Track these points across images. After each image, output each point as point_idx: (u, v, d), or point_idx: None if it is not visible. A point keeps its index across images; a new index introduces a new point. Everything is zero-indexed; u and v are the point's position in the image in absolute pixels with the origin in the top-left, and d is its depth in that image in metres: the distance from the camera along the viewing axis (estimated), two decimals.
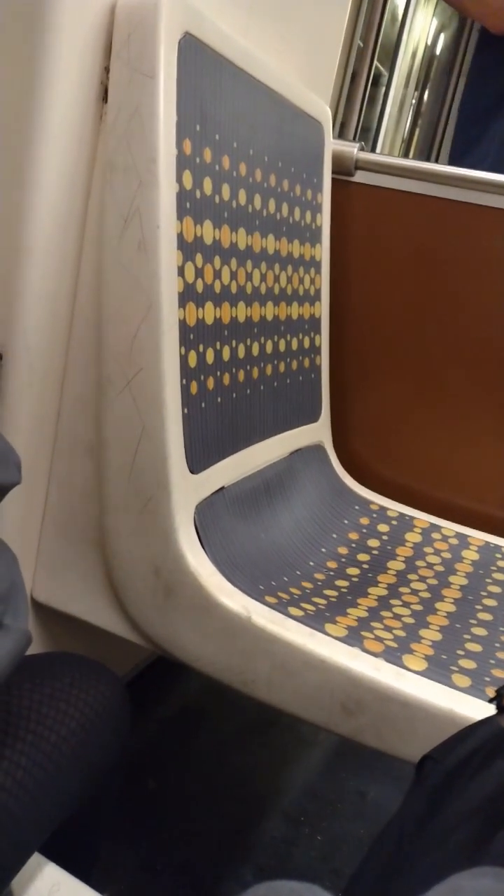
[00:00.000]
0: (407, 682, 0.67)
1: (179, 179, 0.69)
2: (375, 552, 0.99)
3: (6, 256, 0.68)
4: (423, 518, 1.09)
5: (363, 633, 0.74)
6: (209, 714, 1.21)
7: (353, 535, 1.02)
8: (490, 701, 0.44)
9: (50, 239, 0.69)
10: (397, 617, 0.81)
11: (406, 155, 2.53)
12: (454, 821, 0.34)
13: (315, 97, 1.00)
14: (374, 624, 0.78)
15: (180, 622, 0.72)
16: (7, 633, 0.38)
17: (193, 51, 0.69)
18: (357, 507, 1.09)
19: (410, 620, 0.81)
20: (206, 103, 0.72)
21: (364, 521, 1.06)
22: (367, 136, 2.25)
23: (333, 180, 1.06)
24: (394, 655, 0.71)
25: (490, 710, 0.43)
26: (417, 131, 2.69)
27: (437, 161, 2.59)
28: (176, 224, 0.69)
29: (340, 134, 1.30)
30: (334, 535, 1.00)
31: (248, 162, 0.82)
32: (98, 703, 0.50)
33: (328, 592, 0.85)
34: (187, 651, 0.72)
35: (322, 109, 1.01)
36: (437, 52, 2.74)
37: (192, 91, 0.69)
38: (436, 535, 1.05)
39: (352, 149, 1.07)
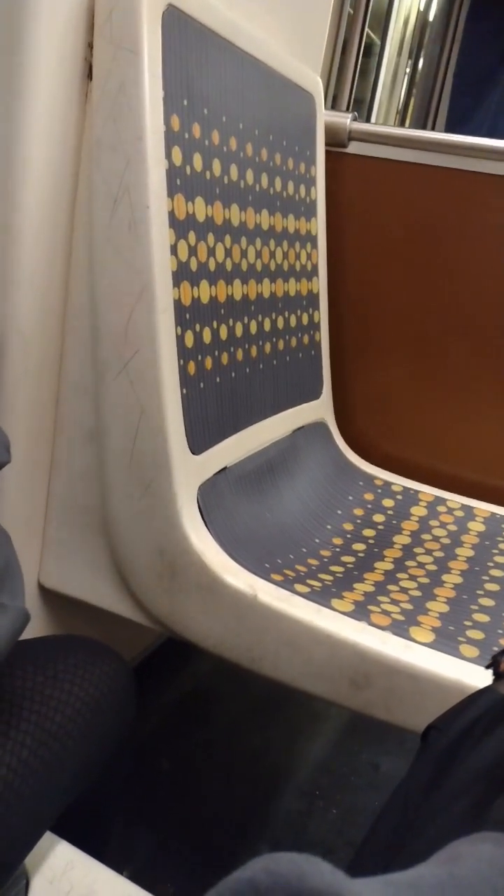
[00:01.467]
0: (414, 654, 0.67)
1: (168, 156, 0.68)
2: (381, 527, 0.99)
3: None
4: (428, 491, 1.08)
5: (370, 607, 0.75)
6: (220, 694, 1.22)
7: (358, 511, 1.02)
8: (487, 667, 0.44)
9: (39, 222, 0.68)
10: (404, 590, 0.81)
11: (402, 125, 2.48)
12: (458, 788, 0.34)
13: (305, 68, 0.98)
14: (380, 598, 0.78)
15: (186, 602, 0.72)
16: (4, 612, 0.38)
17: (178, 24, 0.68)
18: (361, 483, 1.09)
19: (417, 593, 0.81)
20: (193, 77, 0.71)
21: (369, 496, 1.06)
22: (361, 107, 2.21)
23: (327, 152, 1.04)
24: (401, 628, 0.71)
25: (488, 676, 0.43)
26: (412, 101, 2.64)
27: (434, 129, 2.54)
28: (167, 202, 0.68)
29: (333, 106, 1.28)
30: (339, 512, 1.00)
31: (239, 136, 0.80)
32: (103, 684, 0.50)
33: (334, 569, 0.85)
34: (194, 631, 0.73)
35: (313, 80, 0.99)
36: (430, 18, 2.69)
37: (177, 65, 0.68)
38: (441, 508, 1.05)
39: (345, 119, 1.06)
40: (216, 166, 0.76)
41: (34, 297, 0.70)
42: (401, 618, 0.73)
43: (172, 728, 1.14)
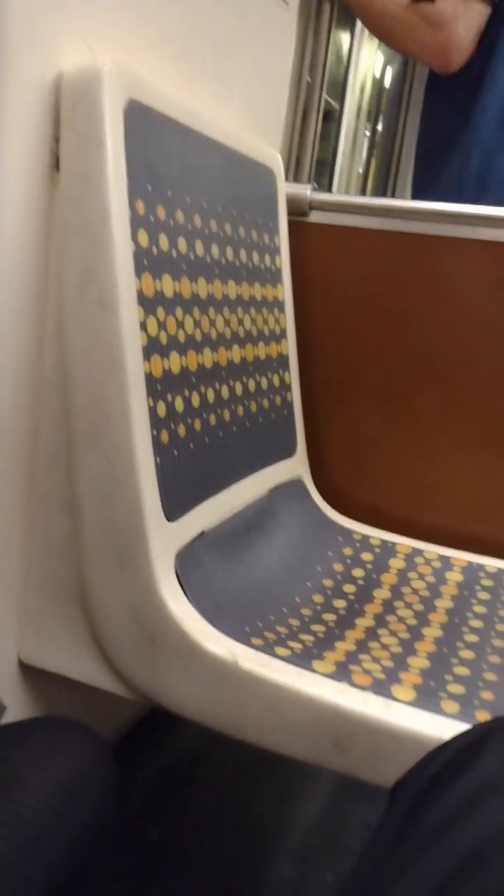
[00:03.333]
0: (395, 713, 0.67)
1: (135, 238, 0.71)
2: (361, 582, 1.00)
3: None
4: (406, 543, 1.10)
5: (351, 666, 0.75)
6: (208, 759, 1.20)
7: (338, 567, 1.03)
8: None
9: (11, 302, 0.70)
10: (385, 647, 0.82)
11: (364, 184, 2.59)
12: (421, 843, 0.35)
13: (264, 145, 1.03)
14: (361, 656, 0.78)
15: (166, 672, 0.72)
16: None
17: (138, 115, 0.72)
18: (340, 538, 1.10)
19: (398, 649, 0.82)
20: (156, 163, 0.75)
21: (347, 550, 1.07)
22: (324, 168, 2.30)
23: (290, 222, 1.09)
24: (382, 687, 0.71)
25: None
26: (374, 161, 2.76)
27: (395, 189, 2.65)
28: (135, 281, 0.71)
29: (297, 167, 1.34)
30: (319, 568, 1.01)
31: (203, 214, 0.84)
32: (81, 764, 0.50)
33: (315, 627, 0.85)
34: (175, 700, 0.72)
35: (272, 156, 1.04)
36: (386, 84, 2.83)
37: (140, 153, 0.72)
38: (419, 560, 1.06)
39: (304, 190, 1.11)
40: (181, 244, 0.79)
41: (7, 373, 0.72)
42: (382, 676, 0.74)
43: (160, 797, 1.11)
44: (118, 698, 0.78)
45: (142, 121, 0.72)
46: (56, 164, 0.70)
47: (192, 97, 0.90)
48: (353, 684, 0.71)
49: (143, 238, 0.72)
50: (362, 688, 0.70)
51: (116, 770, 0.54)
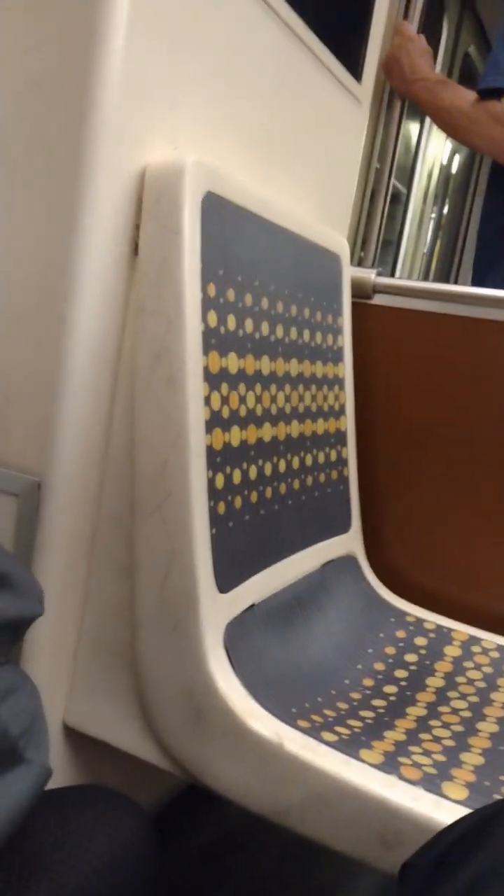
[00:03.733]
0: (446, 812, 0.64)
1: (205, 319, 0.75)
2: (413, 668, 0.97)
3: (46, 390, 0.73)
4: (462, 629, 1.06)
5: (400, 758, 0.72)
6: (247, 844, 1.15)
7: (390, 650, 1.00)
8: None
9: (86, 375, 0.74)
10: (437, 740, 0.79)
11: (429, 266, 2.64)
12: None
13: (332, 232, 1.07)
14: (412, 748, 0.75)
15: (210, 749, 0.71)
16: (29, 768, 0.38)
17: (215, 206, 0.76)
18: (393, 620, 1.07)
19: (451, 743, 0.78)
20: (229, 250, 0.79)
21: (401, 633, 1.05)
22: (390, 247, 2.37)
23: (354, 303, 1.12)
24: (433, 783, 0.68)
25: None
26: (439, 243, 2.82)
27: (458, 273, 2.69)
28: (202, 359, 0.74)
29: (363, 247, 1.38)
30: (370, 650, 0.99)
31: (270, 296, 0.88)
32: (123, 840, 0.49)
33: (364, 713, 0.83)
34: (218, 780, 0.71)
35: (339, 242, 1.08)
36: (453, 171, 2.92)
37: (215, 241, 0.76)
38: (475, 649, 1.02)
39: (369, 275, 1.14)
40: (248, 324, 0.83)
41: (78, 441, 0.75)
42: (433, 771, 0.71)
43: (195, 882, 1.07)
44: (160, 772, 0.77)
45: (218, 211, 0.77)
46: (135, 249, 0.75)
47: (266, 188, 0.96)
48: (402, 778, 0.68)
49: (213, 318, 0.76)
50: (412, 782, 0.67)
51: (158, 849, 0.53)
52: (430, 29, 1.46)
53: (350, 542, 1.11)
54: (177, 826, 1.12)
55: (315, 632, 0.94)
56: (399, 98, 1.34)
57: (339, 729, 0.76)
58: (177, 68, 0.76)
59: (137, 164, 0.74)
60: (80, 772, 0.86)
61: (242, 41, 0.86)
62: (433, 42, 1.97)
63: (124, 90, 0.69)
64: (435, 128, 2.48)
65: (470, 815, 0.45)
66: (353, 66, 1.12)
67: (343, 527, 1.10)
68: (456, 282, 2.70)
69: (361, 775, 0.67)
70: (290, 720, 0.72)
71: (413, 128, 2.41)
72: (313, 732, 0.72)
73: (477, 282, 1.37)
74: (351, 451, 1.12)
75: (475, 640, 1.04)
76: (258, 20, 0.87)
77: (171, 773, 0.77)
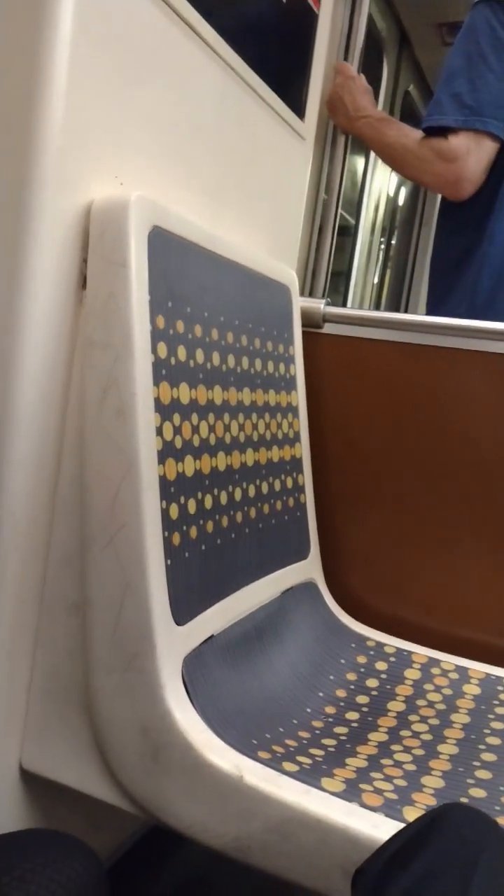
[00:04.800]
0: None
1: (154, 350, 0.75)
2: (374, 693, 0.97)
3: None
4: (422, 652, 1.07)
5: (362, 785, 0.72)
6: (215, 884, 1.13)
7: (351, 676, 1.00)
8: None
9: (35, 409, 0.74)
10: (398, 764, 0.79)
11: (379, 296, 2.70)
12: None
13: (280, 264, 1.10)
14: (373, 774, 0.75)
15: (169, 786, 0.70)
16: None
17: (161, 240, 0.77)
18: (353, 645, 1.08)
19: (412, 767, 0.78)
20: (176, 283, 0.80)
21: (361, 659, 1.05)
22: (340, 278, 2.42)
23: (305, 333, 1.14)
24: (394, 809, 0.68)
25: None
26: (388, 273, 2.89)
27: (408, 302, 2.77)
28: (153, 389, 0.75)
29: (313, 278, 1.41)
30: (332, 677, 0.99)
31: (220, 327, 0.89)
32: (74, 886, 0.48)
33: (326, 742, 0.83)
34: (178, 817, 0.69)
35: (287, 274, 1.11)
36: (400, 203, 3.01)
37: (162, 274, 0.77)
38: (435, 671, 1.03)
39: (318, 305, 1.17)
40: (199, 355, 0.84)
41: (26, 477, 0.74)
42: (394, 797, 0.70)
43: None
44: (121, 812, 0.75)
45: (164, 245, 0.78)
46: (83, 283, 0.75)
47: (214, 223, 0.98)
48: (363, 805, 0.68)
49: (163, 350, 0.77)
50: (373, 809, 0.67)
51: (108, 892, 0.52)
52: (370, 68, 1.52)
53: (309, 569, 1.11)
54: (140, 869, 1.09)
55: (276, 661, 0.94)
56: (343, 134, 1.38)
57: (300, 759, 0.75)
58: (120, 107, 0.77)
59: (83, 200, 0.75)
60: (38, 816, 0.84)
61: (185, 81, 0.88)
62: (374, 81, 2.04)
63: (67, 130, 0.70)
64: (380, 162, 2.57)
65: (414, 822, 0.49)
66: (296, 104, 1.15)
67: (301, 553, 1.10)
68: (406, 311, 2.77)
69: (322, 804, 0.66)
70: (250, 752, 0.72)
71: (359, 162, 2.48)
72: (274, 763, 0.71)
73: (431, 312, 1.41)
74: (307, 478, 1.13)
75: (434, 662, 1.04)
76: (201, 61, 0.89)
77: (133, 814, 0.75)
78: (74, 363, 0.76)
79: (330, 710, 0.91)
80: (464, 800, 0.72)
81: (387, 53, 2.08)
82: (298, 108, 1.16)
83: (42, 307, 0.72)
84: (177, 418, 0.79)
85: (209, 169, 0.96)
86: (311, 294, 1.37)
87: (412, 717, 0.91)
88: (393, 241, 2.96)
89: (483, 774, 0.77)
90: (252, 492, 0.97)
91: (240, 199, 1.05)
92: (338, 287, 2.33)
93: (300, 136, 1.19)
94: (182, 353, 0.81)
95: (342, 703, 0.93)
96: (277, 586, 1.02)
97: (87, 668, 0.74)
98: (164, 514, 0.76)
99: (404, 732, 0.87)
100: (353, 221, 2.53)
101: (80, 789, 0.76)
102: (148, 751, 0.70)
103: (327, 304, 1.18)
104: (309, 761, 0.75)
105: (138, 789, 0.72)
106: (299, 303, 1.13)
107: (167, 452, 0.77)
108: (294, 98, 1.15)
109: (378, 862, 0.46)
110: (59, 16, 0.68)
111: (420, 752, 0.82)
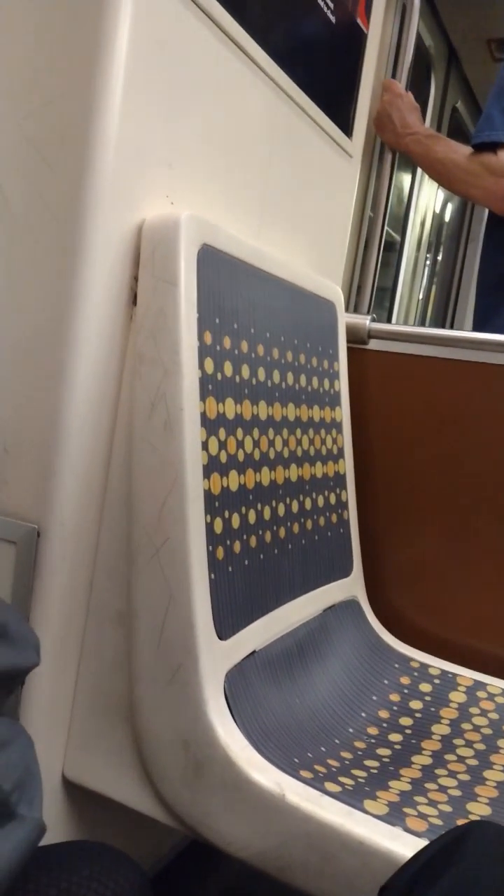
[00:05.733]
0: None
1: (201, 366, 0.76)
2: (418, 715, 0.95)
3: (45, 438, 0.74)
4: (467, 675, 1.05)
5: (405, 809, 0.70)
6: None
7: (394, 697, 0.99)
8: None
9: (85, 423, 0.75)
10: (443, 789, 0.77)
11: (424, 312, 2.68)
12: None
13: (326, 281, 1.10)
14: (417, 798, 0.74)
15: (211, 801, 0.69)
16: (21, 824, 0.38)
17: (211, 258, 0.79)
18: (397, 665, 1.06)
19: (457, 793, 0.76)
20: (224, 299, 0.81)
21: (405, 680, 1.03)
22: (385, 293, 2.41)
23: (349, 349, 1.14)
24: (438, 835, 0.66)
25: None
26: (434, 289, 2.87)
27: (453, 318, 2.74)
28: (199, 404, 0.75)
29: (358, 294, 1.41)
30: (374, 698, 0.97)
31: (266, 343, 0.90)
32: None
33: (369, 763, 0.81)
34: (219, 833, 0.69)
35: (333, 290, 1.11)
36: (446, 219, 2.99)
37: (210, 291, 0.78)
38: (481, 694, 1.00)
39: (364, 321, 1.16)
40: (245, 370, 0.84)
41: (76, 489, 0.76)
42: (439, 822, 0.69)
43: None
44: (161, 825, 0.75)
45: (213, 262, 0.79)
46: (134, 299, 0.77)
47: (260, 240, 0.99)
48: (407, 829, 0.66)
49: (210, 365, 0.77)
50: (417, 834, 0.66)
51: None
52: (417, 86, 1.52)
53: (352, 586, 1.10)
54: (178, 884, 1.08)
55: (317, 679, 0.93)
56: (390, 151, 1.38)
57: (342, 779, 0.74)
58: (173, 128, 0.79)
59: (135, 219, 0.76)
60: (79, 826, 0.84)
61: (235, 101, 0.89)
62: (421, 98, 2.04)
63: (121, 150, 0.72)
64: (426, 178, 2.56)
65: (439, 838, 0.49)
66: (344, 122, 1.16)
67: (344, 571, 1.09)
68: (451, 327, 2.74)
69: (365, 826, 0.65)
70: (292, 770, 0.71)
71: (405, 178, 2.48)
72: (316, 783, 0.70)
73: (478, 328, 1.39)
74: (351, 495, 1.12)
75: (481, 685, 1.02)
76: (249, 80, 0.91)
77: (172, 828, 0.75)
78: (124, 378, 0.77)
79: (372, 730, 0.90)
80: None
81: (434, 70, 2.08)
82: (346, 126, 1.17)
83: (94, 323, 0.73)
84: (222, 433, 0.80)
85: (258, 187, 0.97)
86: (356, 310, 1.37)
87: (457, 741, 0.89)
88: (439, 258, 2.94)
89: None
90: (295, 507, 0.97)
91: (287, 215, 1.06)
92: (382, 303, 2.32)
93: (347, 154, 1.19)
94: (228, 368, 0.81)
95: (385, 724, 0.92)
96: (319, 603, 1.01)
97: (130, 679, 0.75)
98: (209, 527, 0.76)
99: (449, 756, 0.85)
100: (398, 238, 2.52)
101: (120, 801, 0.77)
102: (189, 765, 0.70)
103: (372, 320, 1.17)
104: (351, 782, 0.74)
105: (179, 803, 0.72)
106: (344, 319, 1.13)
107: (212, 467, 0.78)
108: (342, 116, 1.16)
109: (403, 878, 0.45)
110: (116, 39, 0.70)
111: (465, 777, 0.80)
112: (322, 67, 1.08)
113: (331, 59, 1.11)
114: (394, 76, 1.35)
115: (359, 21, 1.16)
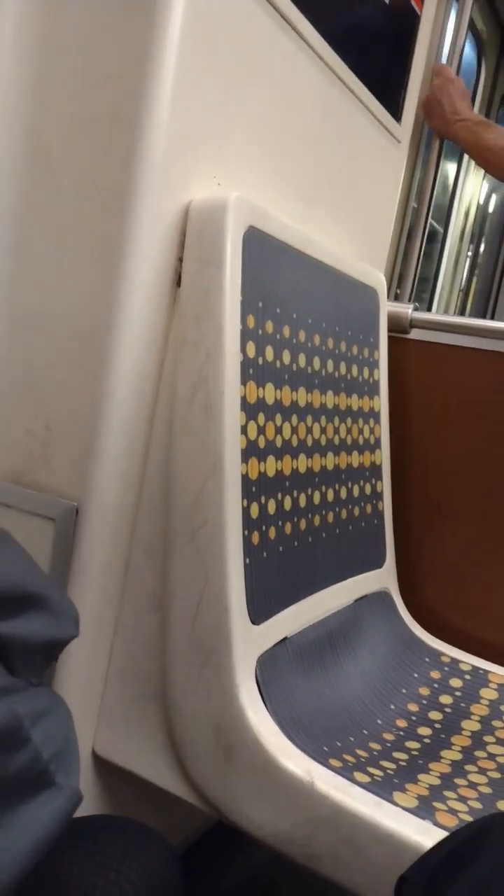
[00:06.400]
0: None
1: (243, 349, 0.75)
2: (448, 710, 0.94)
3: (87, 417, 0.74)
4: (499, 672, 1.03)
5: (435, 803, 0.70)
6: (277, 886, 1.12)
7: (424, 691, 0.98)
8: None
9: (126, 403, 0.75)
10: (472, 785, 0.76)
11: (464, 303, 2.64)
12: None
13: (369, 268, 1.08)
14: (447, 793, 0.73)
15: (240, 785, 0.70)
16: (59, 792, 0.38)
17: (256, 241, 0.78)
18: (427, 660, 1.05)
19: (487, 790, 0.75)
20: (268, 283, 0.80)
21: (435, 674, 1.02)
22: (426, 284, 2.37)
23: (390, 338, 1.12)
24: None
25: None
26: (475, 281, 2.82)
27: (494, 310, 2.69)
28: (240, 388, 0.75)
29: (399, 283, 1.39)
30: (403, 691, 0.96)
31: (307, 329, 0.89)
32: (150, 874, 0.48)
33: (397, 755, 0.81)
34: (248, 818, 0.69)
35: (376, 278, 1.09)
36: (490, 210, 2.93)
37: (255, 274, 0.77)
38: None
39: (406, 310, 1.15)
40: (286, 356, 0.84)
41: (116, 470, 0.76)
42: (469, 819, 0.68)
43: None
44: (188, 805, 0.76)
45: (259, 245, 0.78)
46: (178, 281, 0.76)
47: (306, 224, 0.97)
48: (437, 824, 0.66)
49: (251, 349, 0.77)
50: (447, 829, 0.65)
51: (182, 885, 0.52)
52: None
53: (384, 578, 1.09)
54: (203, 865, 1.09)
55: (347, 669, 0.93)
56: (437, 138, 1.36)
57: (371, 770, 0.74)
58: (223, 110, 0.78)
59: (182, 200, 0.76)
60: (107, 801, 0.85)
61: (287, 84, 0.88)
62: (471, 84, 2.00)
63: (172, 131, 0.71)
64: (472, 168, 2.50)
65: (461, 829, 0.47)
66: (394, 107, 1.14)
67: (377, 562, 1.08)
68: (493, 318, 2.69)
69: (395, 819, 0.65)
70: (321, 759, 0.71)
71: (450, 167, 2.43)
72: (345, 772, 0.70)
73: None
74: (386, 485, 1.11)
75: None
76: (302, 63, 0.90)
77: (199, 809, 0.75)
78: (166, 361, 0.77)
79: (401, 723, 0.89)
80: None
81: (486, 56, 2.03)
82: (395, 111, 1.15)
83: (138, 303, 0.73)
84: (261, 418, 0.79)
85: (306, 170, 0.96)
86: (397, 299, 1.35)
87: (488, 739, 0.88)
88: (481, 249, 2.88)
89: None
90: (331, 496, 0.96)
91: (333, 200, 1.04)
92: (423, 294, 2.29)
93: (396, 140, 1.17)
94: (270, 353, 0.81)
95: (414, 718, 0.91)
96: (351, 593, 1.00)
97: (164, 661, 0.75)
98: (245, 512, 0.76)
99: (479, 753, 0.84)
100: (441, 228, 2.48)
101: (149, 779, 0.77)
102: (220, 748, 0.71)
103: (415, 309, 1.15)
104: (380, 773, 0.73)
105: (208, 786, 0.72)
106: (386, 307, 1.12)
107: (250, 451, 0.77)
108: (392, 101, 1.13)
109: (424, 870, 0.45)
110: (169, 20, 0.69)
111: (496, 774, 0.79)
112: (375, 50, 1.06)
113: (384, 42, 1.09)
114: (445, 61, 1.32)
115: (413, 3, 1.13)
